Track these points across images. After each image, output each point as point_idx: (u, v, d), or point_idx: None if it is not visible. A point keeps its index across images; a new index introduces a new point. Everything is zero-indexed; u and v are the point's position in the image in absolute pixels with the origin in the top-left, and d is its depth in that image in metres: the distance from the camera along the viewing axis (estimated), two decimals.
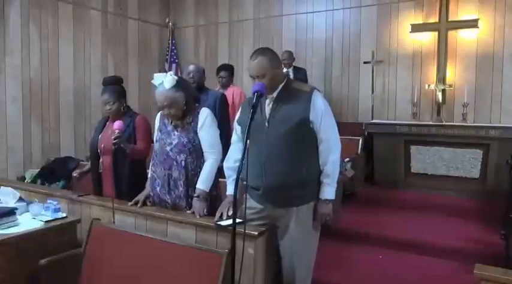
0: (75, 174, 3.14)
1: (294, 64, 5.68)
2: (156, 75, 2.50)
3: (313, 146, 2.20)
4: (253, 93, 2.07)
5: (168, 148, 2.50)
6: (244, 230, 1.95)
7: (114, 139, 2.57)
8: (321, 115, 2.17)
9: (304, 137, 2.16)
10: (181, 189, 2.48)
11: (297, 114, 2.15)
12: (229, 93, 4.41)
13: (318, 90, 2.27)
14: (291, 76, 5.26)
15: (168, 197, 2.53)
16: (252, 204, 2.26)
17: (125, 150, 2.70)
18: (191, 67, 3.83)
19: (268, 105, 2.23)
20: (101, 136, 2.97)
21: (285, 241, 2.23)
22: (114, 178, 2.80)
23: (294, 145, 2.15)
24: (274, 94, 2.22)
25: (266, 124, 2.19)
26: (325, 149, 2.19)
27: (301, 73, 5.64)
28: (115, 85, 2.98)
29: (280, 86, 2.23)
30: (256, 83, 2.14)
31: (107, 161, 2.87)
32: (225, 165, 2.41)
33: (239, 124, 2.38)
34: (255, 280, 2.13)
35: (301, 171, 2.15)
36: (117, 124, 2.63)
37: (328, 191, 2.19)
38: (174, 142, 2.49)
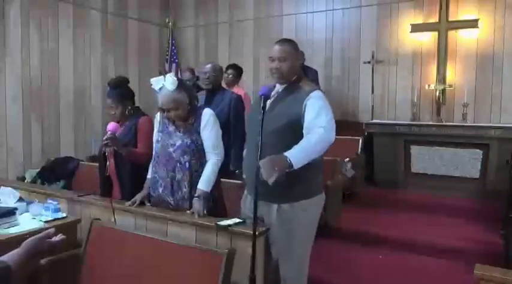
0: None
1: (304, 63, 5.46)
2: (153, 79, 2.43)
3: None
4: (260, 96, 2.04)
5: (171, 150, 2.46)
6: (254, 228, 1.92)
7: (105, 141, 2.49)
8: (311, 106, 2.07)
9: (291, 138, 2.07)
10: (185, 189, 2.45)
11: (288, 114, 2.10)
12: None
13: (321, 91, 2.19)
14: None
15: (171, 198, 2.49)
16: (248, 197, 2.29)
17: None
18: (208, 66, 3.63)
19: (269, 99, 2.17)
20: None
21: (270, 238, 2.21)
22: (118, 181, 2.79)
23: (278, 144, 2.07)
24: (280, 89, 2.20)
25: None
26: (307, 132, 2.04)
27: (311, 74, 5.34)
28: (118, 88, 2.83)
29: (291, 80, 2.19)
30: (264, 86, 2.11)
31: (112, 164, 2.83)
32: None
33: (248, 119, 2.46)
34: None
35: None
36: (111, 126, 2.56)
37: (292, 151, 1.97)
38: (177, 143, 2.45)
